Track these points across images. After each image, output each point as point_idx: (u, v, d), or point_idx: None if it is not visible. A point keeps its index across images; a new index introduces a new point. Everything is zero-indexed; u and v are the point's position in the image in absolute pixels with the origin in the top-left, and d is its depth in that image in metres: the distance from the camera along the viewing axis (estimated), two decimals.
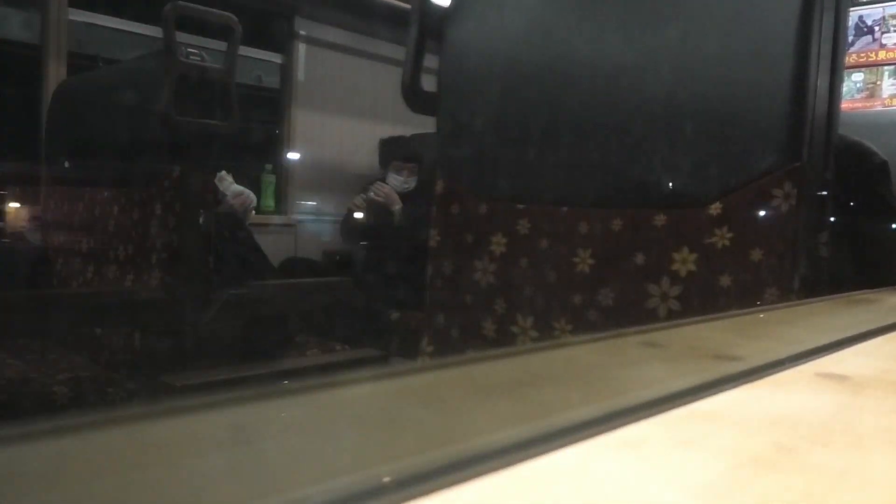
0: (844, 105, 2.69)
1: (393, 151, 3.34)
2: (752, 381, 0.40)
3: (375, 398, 0.34)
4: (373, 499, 0.21)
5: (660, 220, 1.13)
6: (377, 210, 3.12)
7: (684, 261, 1.09)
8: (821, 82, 1.05)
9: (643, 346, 0.49)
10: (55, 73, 2.54)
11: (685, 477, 0.24)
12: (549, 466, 0.24)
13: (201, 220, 1.91)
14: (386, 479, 0.22)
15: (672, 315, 1.09)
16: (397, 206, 3.05)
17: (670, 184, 1.13)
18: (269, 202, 3.37)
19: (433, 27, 1.43)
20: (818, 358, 0.48)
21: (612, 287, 1.17)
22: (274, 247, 3.14)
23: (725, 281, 1.05)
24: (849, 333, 0.57)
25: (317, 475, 0.23)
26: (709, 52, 1.12)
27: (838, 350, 0.51)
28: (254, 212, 2.90)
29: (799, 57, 1.03)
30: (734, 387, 0.38)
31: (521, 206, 1.30)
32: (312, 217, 3.50)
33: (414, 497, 0.22)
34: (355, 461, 0.24)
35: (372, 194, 3.11)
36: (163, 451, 0.24)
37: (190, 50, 1.91)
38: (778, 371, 0.43)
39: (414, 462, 0.24)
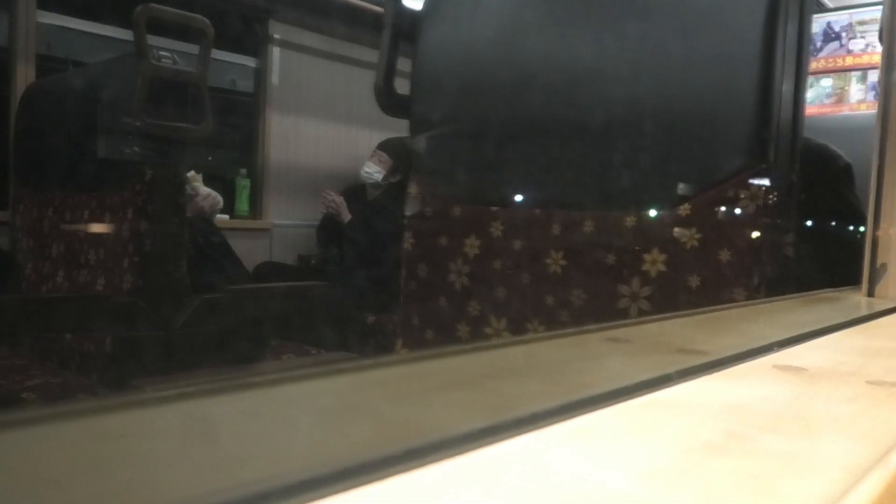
0: (814, 110, 2.74)
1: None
2: (711, 372, 0.41)
3: (338, 391, 0.34)
4: (328, 484, 0.22)
5: (630, 221, 1.14)
6: (327, 219, 3.13)
7: (654, 261, 1.11)
8: (786, 86, 1.07)
9: (607, 342, 0.49)
10: (23, 76, 2.50)
11: (634, 461, 0.25)
12: (502, 453, 0.25)
13: (174, 223, 1.90)
14: (340, 465, 0.22)
15: (642, 315, 1.10)
16: (346, 218, 3.04)
17: (640, 186, 1.14)
18: (244, 206, 3.34)
19: (406, 30, 1.44)
20: (778, 351, 0.49)
21: (584, 288, 1.18)
22: (249, 251, 3.12)
23: (694, 281, 1.07)
24: (809, 329, 0.58)
25: (273, 461, 0.23)
26: (676, 57, 1.14)
27: (798, 344, 0.52)
28: (220, 213, 2.93)
29: (764, 61, 1.05)
30: (693, 378, 0.39)
31: (493, 209, 1.30)
32: (288, 221, 3.47)
33: (370, 482, 0.22)
34: (311, 448, 0.25)
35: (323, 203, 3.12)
36: (118, 442, 0.24)
37: (162, 53, 1.89)
38: (738, 363, 0.44)
39: (370, 449, 0.24)
